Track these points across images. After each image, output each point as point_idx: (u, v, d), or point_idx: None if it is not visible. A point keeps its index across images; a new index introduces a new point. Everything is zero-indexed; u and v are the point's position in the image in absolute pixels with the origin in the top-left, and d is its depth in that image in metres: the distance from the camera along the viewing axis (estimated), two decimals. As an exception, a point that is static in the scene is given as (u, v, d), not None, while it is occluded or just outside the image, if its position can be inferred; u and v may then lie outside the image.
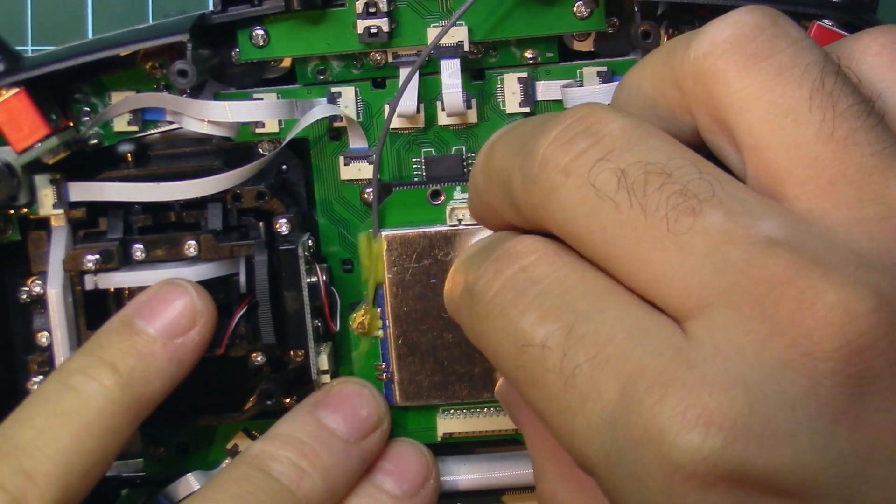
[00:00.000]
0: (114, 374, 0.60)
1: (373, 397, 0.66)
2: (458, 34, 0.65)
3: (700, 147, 0.47)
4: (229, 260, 0.66)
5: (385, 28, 0.65)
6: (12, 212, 0.67)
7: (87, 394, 0.60)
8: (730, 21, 0.46)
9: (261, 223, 0.67)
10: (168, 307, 0.62)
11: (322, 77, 0.68)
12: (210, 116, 0.65)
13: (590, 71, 0.67)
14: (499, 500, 0.71)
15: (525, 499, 0.70)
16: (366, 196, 0.68)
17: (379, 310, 0.67)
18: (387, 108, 0.68)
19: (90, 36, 0.83)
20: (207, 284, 0.66)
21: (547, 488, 0.55)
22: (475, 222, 0.65)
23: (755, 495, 0.41)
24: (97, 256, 0.65)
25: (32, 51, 0.83)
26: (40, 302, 0.67)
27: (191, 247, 0.65)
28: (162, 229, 0.67)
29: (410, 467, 0.66)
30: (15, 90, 0.63)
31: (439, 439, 0.69)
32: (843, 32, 0.62)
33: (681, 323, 0.44)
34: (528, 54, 0.67)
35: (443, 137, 0.68)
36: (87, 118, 0.67)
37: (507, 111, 0.68)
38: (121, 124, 0.67)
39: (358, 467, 0.64)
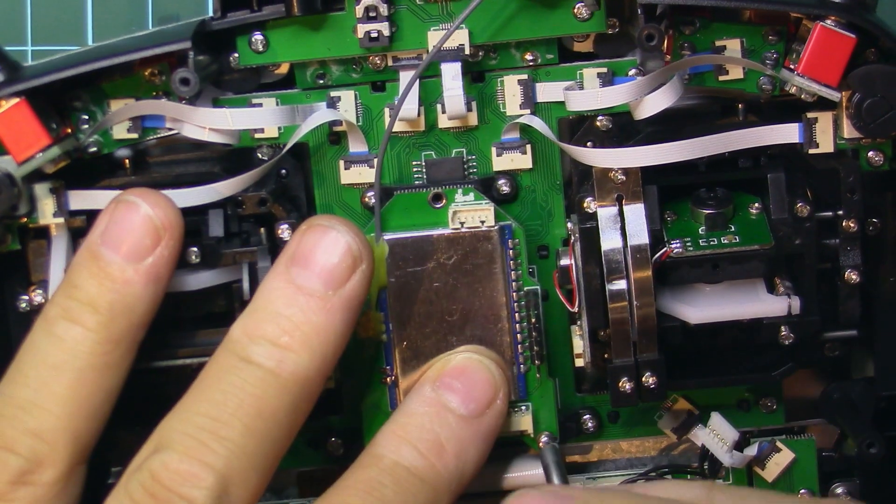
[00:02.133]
0: (95, 314, 0.60)
1: (342, 236, 0.61)
2: (459, 37, 0.65)
3: None
4: (231, 267, 0.66)
5: (385, 32, 0.65)
6: (11, 221, 0.66)
7: (73, 340, 0.60)
8: None
9: (262, 229, 0.67)
10: (128, 229, 0.61)
11: (321, 81, 0.68)
12: (211, 124, 0.65)
13: (590, 72, 0.67)
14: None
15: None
16: (367, 200, 0.68)
17: (382, 314, 0.67)
18: (387, 111, 0.67)
19: (90, 35, 0.83)
20: (209, 291, 0.66)
21: None
22: (477, 225, 0.66)
23: None
24: (99, 265, 0.65)
25: (32, 50, 0.83)
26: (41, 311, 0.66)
27: (193, 254, 0.65)
28: (161, 236, 0.67)
29: (478, 386, 0.64)
30: (15, 100, 0.63)
31: (444, 442, 0.69)
32: (846, 33, 0.62)
33: None
34: (528, 56, 0.67)
35: (443, 140, 0.68)
36: (87, 126, 0.66)
37: (508, 113, 0.68)
38: (120, 132, 0.66)
39: (343, 320, 0.60)
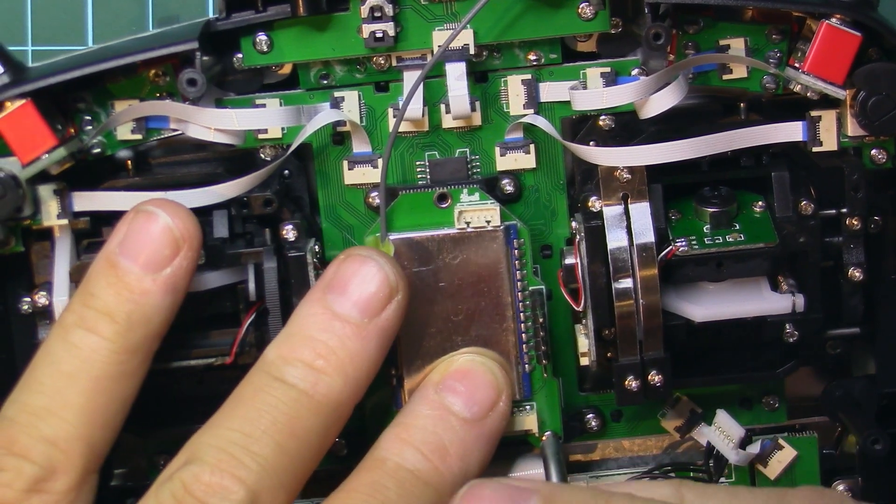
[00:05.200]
0: (112, 324, 0.60)
1: (380, 267, 0.62)
2: (464, 37, 0.65)
3: None
4: (237, 267, 0.66)
5: (391, 32, 0.65)
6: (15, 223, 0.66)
7: (89, 349, 0.60)
8: None
9: (266, 230, 0.67)
10: (147, 239, 0.61)
11: (325, 82, 0.68)
12: (217, 124, 0.65)
13: (593, 72, 0.67)
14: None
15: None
16: (370, 200, 0.68)
17: (386, 314, 0.67)
18: (390, 111, 0.67)
19: (90, 36, 0.83)
20: (214, 292, 0.66)
21: None
22: (482, 225, 0.66)
23: None
24: (104, 266, 0.64)
25: (32, 51, 0.83)
26: (45, 313, 0.66)
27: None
28: (166, 237, 0.66)
29: (481, 389, 0.64)
30: (21, 102, 0.62)
31: (449, 442, 0.68)
32: (851, 31, 0.62)
33: None
34: (532, 56, 0.67)
35: (447, 140, 0.68)
36: (90, 127, 0.66)
37: (512, 113, 0.68)
38: (124, 133, 0.66)
39: (377, 347, 0.61)
